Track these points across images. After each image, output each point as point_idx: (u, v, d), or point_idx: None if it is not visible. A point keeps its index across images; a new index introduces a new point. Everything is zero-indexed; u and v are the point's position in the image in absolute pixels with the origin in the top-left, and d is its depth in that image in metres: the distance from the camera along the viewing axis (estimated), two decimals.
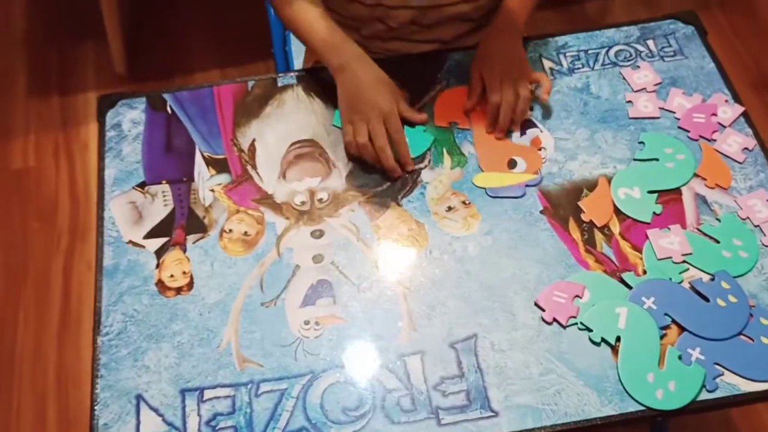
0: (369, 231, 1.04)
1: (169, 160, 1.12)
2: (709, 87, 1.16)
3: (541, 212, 1.04)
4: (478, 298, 0.97)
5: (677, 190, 1.06)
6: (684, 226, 1.02)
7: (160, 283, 1.00)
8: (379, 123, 1.06)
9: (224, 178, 1.10)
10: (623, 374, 0.90)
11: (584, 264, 0.99)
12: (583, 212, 1.04)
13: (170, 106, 1.17)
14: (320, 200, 1.07)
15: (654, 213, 1.03)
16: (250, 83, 1.19)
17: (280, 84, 1.19)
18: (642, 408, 0.89)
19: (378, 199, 1.06)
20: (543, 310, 0.96)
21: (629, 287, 0.97)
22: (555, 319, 0.95)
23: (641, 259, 1.00)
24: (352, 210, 1.06)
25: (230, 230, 1.04)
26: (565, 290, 0.97)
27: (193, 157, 1.12)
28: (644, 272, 0.98)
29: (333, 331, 0.95)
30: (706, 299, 0.96)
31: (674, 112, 1.13)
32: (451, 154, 1.11)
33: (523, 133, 1.12)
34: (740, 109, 1.13)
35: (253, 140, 1.13)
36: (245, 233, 1.04)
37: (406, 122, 1.11)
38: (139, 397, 0.92)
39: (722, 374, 0.91)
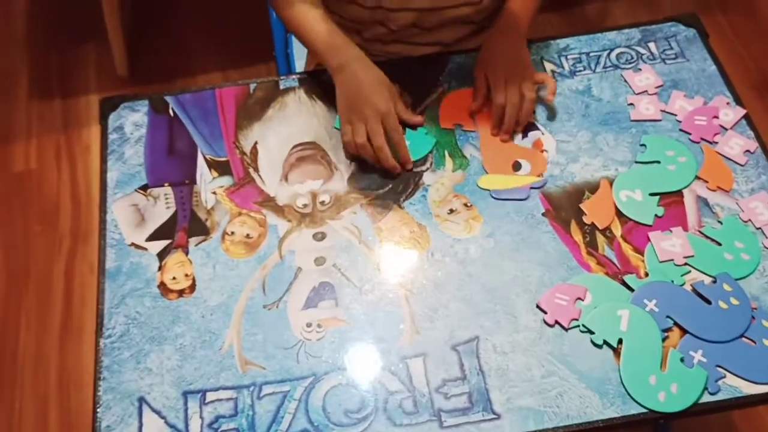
0: (371, 233, 1.04)
1: (171, 162, 1.12)
2: (711, 89, 1.16)
3: (542, 215, 1.04)
4: (480, 300, 0.97)
5: (679, 193, 1.06)
6: (686, 229, 1.02)
7: (162, 286, 1.00)
8: (377, 122, 1.06)
9: (226, 181, 1.10)
10: (625, 377, 0.90)
11: (586, 266, 1.00)
12: (585, 214, 1.04)
13: (172, 109, 1.17)
14: (322, 203, 1.07)
15: (656, 215, 1.03)
16: (252, 86, 1.19)
17: (282, 87, 1.19)
18: (644, 410, 0.89)
19: (380, 202, 1.07)
20: (545, 313, 0.96)
21: (631, 290, 0.97)
22: (557, 322, 0.95)
23: (643, 261, 1.00)
24: (354, 212, 1.06)
25: (232, 233, 1.04)
26: (566, 293, 0.97)
27: (195, 159, 1.12)
28: (646, 274, 0.99)
29: (335, 334, 0.96)
30: (708, 302, 0.96)
31: (676, 115, 1.14)
32: (453, 157, 1.11)
33: (524, 135, 1.12)
34: (742, 111, 1.13)
35: (255, 143, 1.13)
36: (247, 236, 1.04)
37: (406, 124, 1.11)
38: (141, 400, 0.92)
39: (724, 377, 0.91)
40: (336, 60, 1.11)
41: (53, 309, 1.79)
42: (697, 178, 1.07)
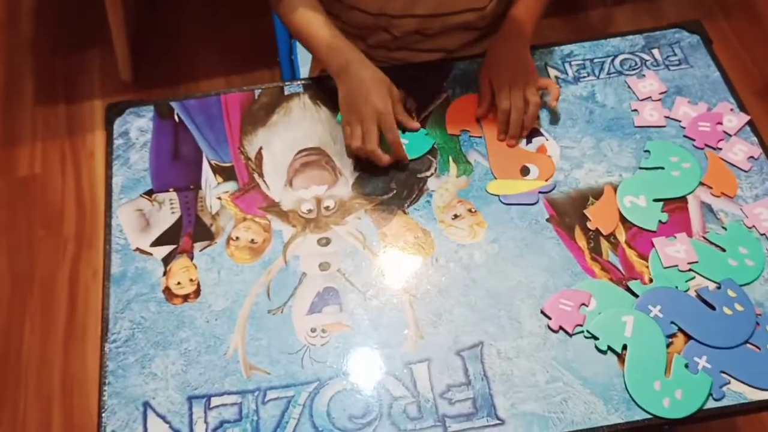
0: (375, 239, 1.04)
1: (176, 167, 1.12)
2: (715, 96, 1.16)
3: (547, 220, 1.05)
4: (485, 305, 0.97)
5: (683, 199, 1.06)
6: (690, 235, 1.02)
7: (167, 291, 1.00)
8: (372, 124, 1.07)
9: (231, 186, 1.10)
10: (630, 382, 0.90)
11: (590, 272, 1.00)
12: (589, 220, 1.04)
13: (177, 115, 1.18)
14: (327, 208, 1.07)
15: (660, 221, 1.04)
16: (257, 91, 1.20)
17: (286, 92, 1.20)
18: (648, 416, 0.89)
19: (384, 207, 1.07)
20: (549, 318, 0.96)
21: (635, 295, 0.97)
22: (561, 327, 0.95)
23: (647, 267, 1.00)
24: (359, 218, 1.06)
25: (237, 238, 1.05)
26: (571, 298, 0.97)
27: (200, 165, 1.12)
28: (650, 280, 0.99)
29: (339, 339, 0.96)
30: (713, 307, 0.96)
31: (680, 121, 1.14)
32: (457, 162, 1.11)
33: (529, 141, 1.12)
34: (746, 117, 1.13)
35: (260, 148, 1.13)
36: (252, 241, 1.04)
37: (403, 128, 1.12)
38: (146, 404, 0.92)
39: (729, 383, 0.91)
40: (337, 63, 1.12)
41: (57, 313, 1.79)
42: (701, 184, 1.07)
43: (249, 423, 0.90)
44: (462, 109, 1.16)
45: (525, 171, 1.10)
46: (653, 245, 1.01)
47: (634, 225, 1.04)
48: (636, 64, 1.20)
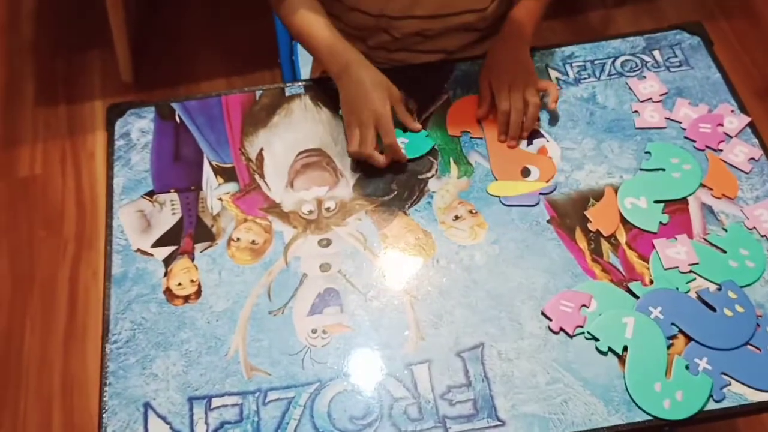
0: (376, 240, 1.04)
1: (177, 168, 1.12)
2: (715, 97, 1.16)
3: (547, 221, 1.05)
4: (485, 307, 0.98)
5: (684, 200, 1.06)
6: (690, 236, 1.02)
7: (168, 292, 1.00)
8: (369, 128, 1.07)
9: (232, 187, 1.10)
10: (630, 384, 0.90)
11: (591, 273, 1.00)
12: (590, 222, 1.04)
13: (179, 116, 1.18)
14: (327, 209, 1.07)
15: (660, 223, 1.04)
16: (258, 92, 1.20)
17: (287, 93, 1.20)
18: (649, 418, 0.89)
19: (385, 208, 1.07)
20: (550, 320, 0.96)
21: (636, 297, 0.97)
22: (562, 329, 0.95)
23: (648, 268, 1.00)
24: (360, 219, 1.06)
25: (238, 239, 1.05)
26: (571, 299, 0.97)
27: (201, 166, 1.12)
28: (651, 282, 0.99)
29: (340, 340, 0.96)
30: (713, 309, 0.96)
31: (680, 122, 1.14)
32: (458, 164, 1.11)
33: (530, 142, 1.12)
34: (746, 119, 1.13)
35: (261, 149, 1.14)
36: (253, 242, 1.04)
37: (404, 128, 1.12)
38: (146, 405, 0.92)
39: (729, 384, 0.91)
40: (337, 65, 1.12)
41: (58, 314, 1.79)
42: (702, 185, 1.07)
43: (250, 424, 0.90)
44: (463, 110, 1.16)
45: (526, 172, 1.10)
46: (654, 247, 1.01)
47: (635, 226, 1.04)
48: (637, 65, 1.20)
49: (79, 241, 1.89)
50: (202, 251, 1.04)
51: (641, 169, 1.09)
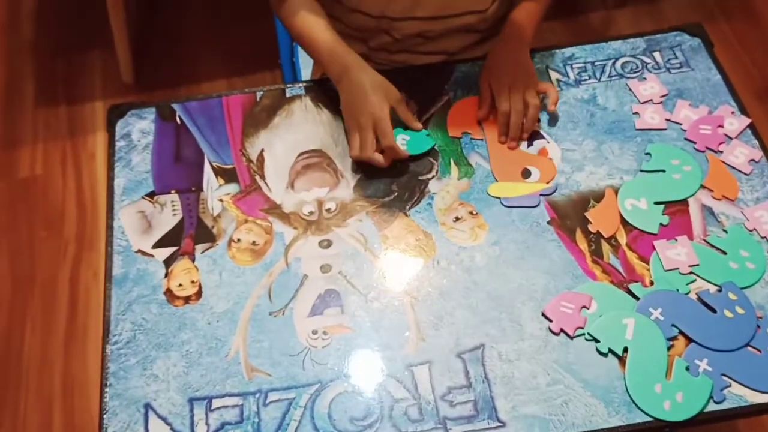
0: (377, 241, 1.04)
1: (178, 169, 1.13)
2: (716, 99, 1.16)
3: (548, 223, 1.05)
4: (486, 308, 0.98)
5: (684, 202, 1.06)
6: (691, 238, 1.02)
7: (168, 292, 1.00)
8: (368, 131, 1.07)
9: (233, 188, 1.10)
10: (630, 385, 0.91)
11: (591, 275, 1.00)
12: (590, 223, 1.04)
13: (179, 116, 1.18)
14: (328, 210, 1.07)
15: (661, 224, 1.04)
16: (259, 94, 1.20)
17: (288, 94, 1.20)
18: (649, 419, 0.89)
19: (386, 210, 1.07)
20: (550, 321, 0.96)
21: (636, 298, 0.97)
22: (562, 330, 0.95)
23: (648, 270, 1.00)
24: (360, 220, 1.06)
25: (239, 240, 1.05)
26: (572, 301, 0.97)
27: (202, 167, 1.12)
28: (651, 283, 0.99)
29: (341, 341, 0.96)
30: (714, 310, 0.96)
31: (681, 124, 1.14)
32: (459, 165, 1.11)
33: (530, 144, 1.13)
34: (746, 120, 1.13)
35: (262, 150, 1.14)
36: (253, 243, 1.04)
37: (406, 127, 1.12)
38: (147, 406, 0.92)
39: (729, 385, 0.91)
40: (337, 68, 1.12)
41: (58, 314, 1.79)
42: (702, 187, 1.07)
43: (250, 425, 0.90)
44: (463, 111, 1.16)
45: (526, 173, 1.10)
46: (654, 248, 1.01)
47: (635, 228, 1.04)
48: (637, 67, 1.21)
49: (79, 242, 1.89)
50: (202, 252, 1.04)
51: (641, 171, 1.09)
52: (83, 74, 2.20)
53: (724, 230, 1.03)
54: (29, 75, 2.22)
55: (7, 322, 1.78)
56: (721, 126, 1.13)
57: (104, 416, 0.92)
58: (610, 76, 1.20)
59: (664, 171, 1.09)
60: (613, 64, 1.21)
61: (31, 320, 1.78)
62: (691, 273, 0.99)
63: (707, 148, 1.11)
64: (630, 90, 1.18)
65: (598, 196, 1.07)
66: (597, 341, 0.94)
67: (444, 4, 1.19)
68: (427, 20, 1.21)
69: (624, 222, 1.04)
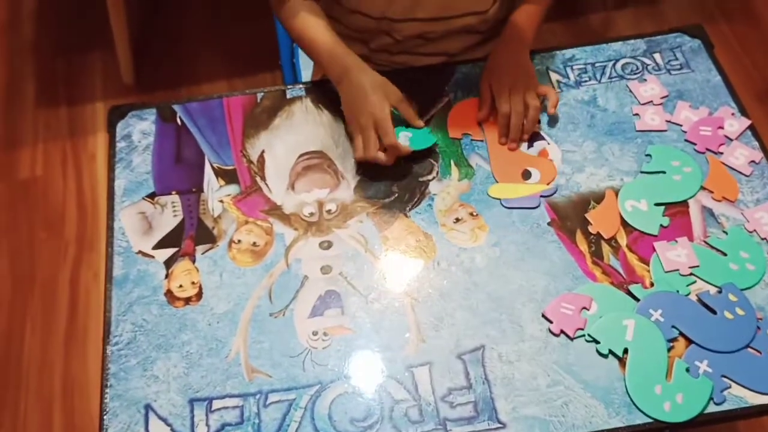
0: (377, 242, 1.04)
1: (178, 170, 1.13)
2: (716, 100, 1.17)
3: (548, 224, 1.05)
4: (486, 309, 0.98)
5: (684, 203, 1.06)
6: (691, 239, 1.02)
7: (169, 293, 1.01)
8: (370, 131, 1.07)
9: (233, 189, 1.10)
10: (631, 386, 0.91)
11: (591, 276, 1.00)
12: (590, 224, 1.04)
13: (180, 117, 1.18)
14: (329, 211, 1.07)
15: (661, 225, 1.04)
16: (260, 95, 1.20)
17: (288, 96, 1.20)
18: (649, 420, 0.89)
19: (386, 211, 1.07)
20: (550, 322, 0.96)
21: (636, 299, 0.97)
22: (562, 331, 0.95)
23: (648, 271, 1.00)
24: (361, 221, 1.06)
25: (239, 241, 1.05)
26: (572, 302, 0.97)
27: (202, 168, 1.13)
28: (651, 284, 0.99)
29: (341, 342, 0.96)
30: (714, 312, 0.96)
31: (681, 125, 1.14)
32: (459, 166, 1.11)
33: (530, 145, 1.13)
34: (747, 122, 1.14)
35: (262, 151, 1.14)
36: (254, 244, 1.04)
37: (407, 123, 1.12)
38: (147, 407, 0.92)
39: (729, 387, 0.91)
40: (337, 69, 1.12)
41: (58, 315, 1.79)
42: (703, 188, 1.07)
43: (250, 426, 0.90)
44: (464, 112, 1.16)
45: (526, 175, 1.10)
46: (654, 249, 1.01)
47: (636, 229, 1.04)
48: (637, 68, 1.21)
49: (80, 243, 1.89)
50: (203, 253, 1.04)
51: (642, 172, 1.09)
52: (84, 75, 2.20)
53: (724, 231, 1.03)
54: (30, 75, 2.22)
55: (7, 323, 1.78)
56: (722, 127, 1.13)
57: (104, 417, 0.92)
58: (610, 78, 1.20)
59: (664, 172, 1.09)
60: (614, 65, 1.21)
61: (31, 321, 1.78)
62: (691, 274, 0.99)
63: (707, 149, 1.11)
64: (630, 91, 1.18)
65: (599, 198, 1.07)
66: (597, 342, 0.94)
67: (445, 5, 1.19)
68: (428, 21, 1.21)
69: (624, 223, 1.04)
